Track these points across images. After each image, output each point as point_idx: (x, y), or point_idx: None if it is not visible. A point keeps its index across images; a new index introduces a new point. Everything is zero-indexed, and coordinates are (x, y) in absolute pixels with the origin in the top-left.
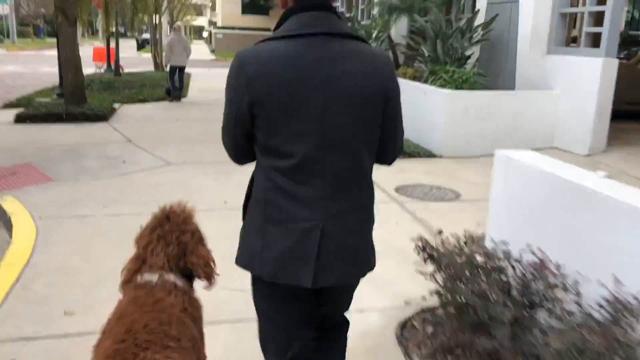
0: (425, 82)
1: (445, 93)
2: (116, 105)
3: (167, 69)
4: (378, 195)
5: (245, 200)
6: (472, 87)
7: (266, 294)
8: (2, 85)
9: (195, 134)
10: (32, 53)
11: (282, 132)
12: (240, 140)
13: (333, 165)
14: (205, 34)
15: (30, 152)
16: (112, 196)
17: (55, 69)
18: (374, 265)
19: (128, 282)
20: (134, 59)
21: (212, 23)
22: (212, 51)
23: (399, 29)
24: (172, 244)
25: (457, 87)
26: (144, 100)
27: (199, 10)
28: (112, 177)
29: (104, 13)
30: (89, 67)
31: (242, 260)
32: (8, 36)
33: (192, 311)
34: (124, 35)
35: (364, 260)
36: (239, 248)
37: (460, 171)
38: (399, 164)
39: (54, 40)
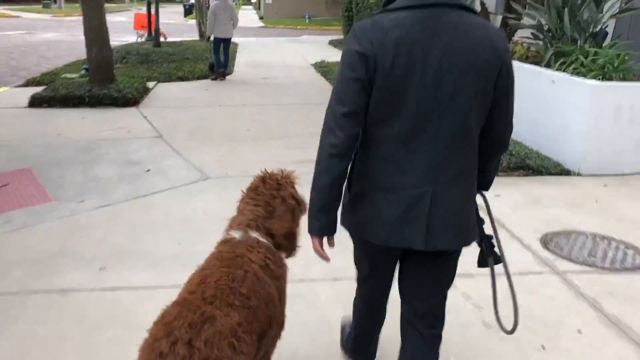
0: (548, 66)
1: (588, 85)
2: (150, 85)
3: (211, 40)
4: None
5: (349, 176)
6: (625, 76)
7: (370, 250)
8: (35, 56)
9: (242, 128)
10: (78, 19)
11: (397, 99)
12: (359, 108)
13: (443, 134)
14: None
15: (35, 151)
16: (117, 243)
17: None
18: (475, 237)
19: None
20: (180, 26)
21: None
22: (261, 18)
23: None
24: (260, 204)
25: (603, 77)
26: (183, 78)
27: None
28: (127, 199)
29: None
30: (131, 35)
31: (352, 225)
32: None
33: (274, 269)
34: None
35: (470, 228)
36: (345, 214)
37: (621, 202)
38: (526, 187)
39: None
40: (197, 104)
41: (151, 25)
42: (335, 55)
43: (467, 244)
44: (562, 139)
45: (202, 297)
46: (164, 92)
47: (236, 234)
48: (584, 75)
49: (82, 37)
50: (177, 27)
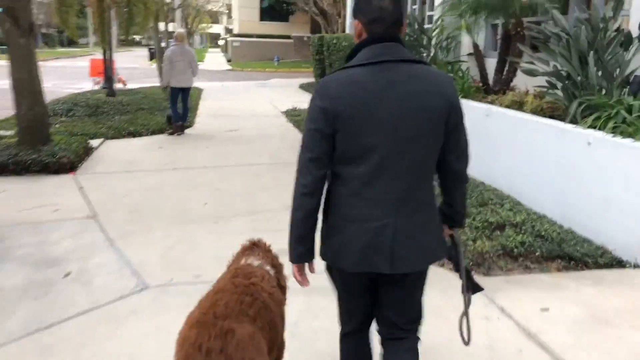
0: (574, 121)
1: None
2: (95, 143)
3: (168, 90)
4: None
5: (324, 209)
6: None
7: (344, 278)
8: None
9: (198, 201)
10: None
11: (360, 143)
12: (324, 154)
13: (402, 171)
14: (221, 42)
15: None
16: None
17: (51, 83)
18: (442, 256)
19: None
20: (145, 70)
21: (228, 30)
22: (228, 60)
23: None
24: (264, 252)
25: None
26: (135, 133)
27: (215, 18)
28: (21, 336)
29: (98, 17)
30: (87, 83)
31: (327, 256)
32: None
33: (278, 295)
34: (138, 43)
35: (431, 251)
36: (322, 246)
37: None
38: (577, 291)
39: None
40: (148, 167)
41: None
42: (306, 101)
43: (429, 264)
44: (604, 215)
45: (215, 316)
46: (109, 153)
47: (254, 262)
48: (631, 135)
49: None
50: (141, 71)
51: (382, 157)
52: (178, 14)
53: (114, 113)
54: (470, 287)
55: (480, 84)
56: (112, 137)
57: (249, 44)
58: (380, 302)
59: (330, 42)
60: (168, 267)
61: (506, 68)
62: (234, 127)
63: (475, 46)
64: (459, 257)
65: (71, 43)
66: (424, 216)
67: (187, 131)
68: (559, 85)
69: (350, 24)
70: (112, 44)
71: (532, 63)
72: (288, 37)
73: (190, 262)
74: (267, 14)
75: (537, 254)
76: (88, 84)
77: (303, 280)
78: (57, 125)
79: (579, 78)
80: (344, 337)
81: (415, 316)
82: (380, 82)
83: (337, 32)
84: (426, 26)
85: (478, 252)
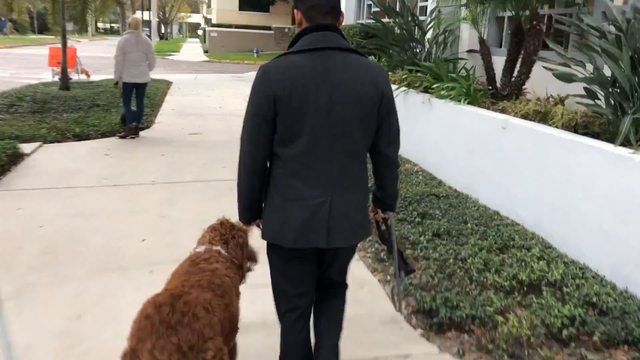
0: (627, 143)
1: None
2: (29, 148)
3: (120, 86)
4: None
5: (266, 187)
6: None
7: (284, 257)
8: None
9: (135, 236)
10: (18, 51)
11: (297, 126)
12: (262, 136)
13: (337, 153)
14: (200, 32)
15: None
16: None
17: (8, 73)
18: (370, 233)
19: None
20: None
21: (207, 20)
22: (206, 51)
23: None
24: (219, 235)
25: None
26: (82, 135)
27: (195, 7)
28: None
29: (52, 4)
30: (49, 73)
31: (267, 234)
32: None
33: (233, 276)
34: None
35: (362, 228)
36: (263, 226)
37: None
38: None
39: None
40: (84, 182)
41: (69, 61)
42: None
43: (360, 240)
44: None
45: (182, 285)
46: (43, 161)
47: (200, 249)
48: None
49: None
50: (110, 61)
51: (318, 139)
52: (154, 1)
53: (63, 110)
54: (403, 269)
55: (488, 87)
56: (53, 141)
57: (227, 34)
58: (319, 271)
59: None
60: (66, 357)
61: (517, 68)
62: (199, 130)
63: (482, 41)
64: (391, 241)
65: (43, 30)
66: (357, 195)
67: (143, 133)
68: (601, 93)
69: None
70: (66, 31)
71: (566, 65)
72: (269, 28)
73: (99, 345)
74: (247, 3)
75: (594, 337)
76: (49, 74)
77: (257, 225)
78: None
79: (631, 87)
80: (282, 318)
81: (343, 278)
82: (317, 69)
83: None
84: (421, 18)
85: (512, 336)
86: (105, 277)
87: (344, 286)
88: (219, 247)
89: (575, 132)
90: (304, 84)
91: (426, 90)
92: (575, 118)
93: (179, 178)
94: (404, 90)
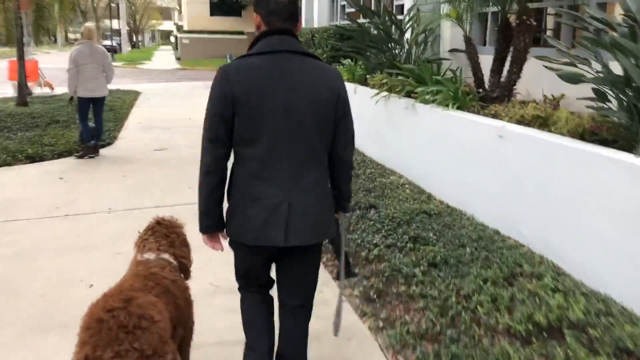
0: None
1: None
2: None
3: (75, 101)
4: None
5: (228, 188)
6: None
7: (247, 253)
8: None
9: (85, 279)
10: None
11: (255, 126)
12: (222, 135)
13: (295, 153)
14: (172, 39)
15: None
16: None
17: None
18: (333, 234)
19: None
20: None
21: (179, 27)
22: (178, 59)
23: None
24: (163, 237)
25: None
26: (35, 158)
27: (166, 14)
28: None
29: (3, 15)
30: (8, 87)
31: (230, 232)
32: None
33: (181, 284)
34: None
35: (323, 228)
36: (227, 224)
37: None
38: None
39: None
40: (29, 214)
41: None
42: None
43: (321, 240)
44: None
45: (121, 289)
46: None
47: (150, 256)
48: None
49: None
50: None
51: (275, 139)
52: (123, 9)
53: (17, 128)
54: (346, 273)
55: (477, 90)
56: (3, 164)
57: (199, 40)
58: (279, 273)
59: None
60: None
61: (506, 68)
62: (165, 145)
63: (468, 40)
64: (340, 242)
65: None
66: (316, 195)
67: (103, 151)
68: (611, 94)
69: (306, 19)
70: (25, 43)
71: (571, 64)
72: (241, 32)
73: None
74: (218, 8)
75: None
76: (9, 89)
77: (214, 247)
78: None
79: None
80: (241, 289)
81: (308, 288)
82: (275, 71)
83: None
84: (399, 17)
85: None
86: (41, 338)
87: (309, 309)
88: (167, 256)
89: (583, 139)
90: (262, 85)
91: (409, 94)
92: (582, 124)
93: (140, 203)
94: (385, 96)
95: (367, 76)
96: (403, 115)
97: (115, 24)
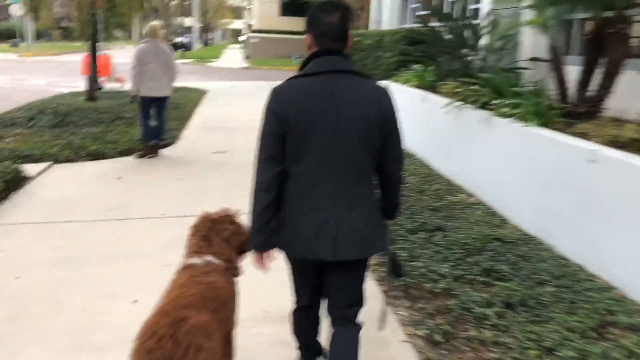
0: None
1: None
2: (36, 170)
3: (137, 100)
4: None
5: (278, 204)
6: None
7: (296, 267)
8: None
9: (128, 292)
10: (44, 59)
11: (305, 144)
12: (276, 153)
13: (342, 170)
14: (242, 38)
15: None
16: None
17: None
18: (382, 249)
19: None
20: None
21: (249, 26)
22: (246, 57)
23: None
24: (214, 234)
25: None
26: (97, 155)
27: (237, 12)
28: None
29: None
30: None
31: (279, 246)
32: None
33: (229, 285)
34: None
35: (370, 243)
36: (275, 237)
37: None
38: None
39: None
40: (83, 215)
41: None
42: None
43: (368, 255)
44: None
45: (175, 306)
46: (48, 186)
47: (198, 260)
48: None
49: (30, 82)
50: None
51: (324, 157)
52: (195, 7)
53: (84, 124)
54: (393, 273)
55: (562, 104)
56: (65, 160)
57: (268, 40)
58: (326, 286)
59: (351, 39)
60: None
61: (594, 80)
62: (225, 147)
63: (554, 49)
64: (386, 246)
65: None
66: (363, 210)
67: (165, 151)
68: None
69: (375, 21)
70: (115, 38)
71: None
72: None
73: None
74: (289, 8)
75: None
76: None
77: (261, 267)
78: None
79: None
80: (295, 311)
81: (354, 301)
82: (324, 91)
83: (360, 28)
84: (473, 22)
85: None
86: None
87: (354, 324)
88: (211, 258)
89: None
90: (311, 106)
91: (484, 106)
92: None
93: (193, 210)
94: (457, 106)
95: (438, 83)
96: (477, 128)
97: (187, 21)
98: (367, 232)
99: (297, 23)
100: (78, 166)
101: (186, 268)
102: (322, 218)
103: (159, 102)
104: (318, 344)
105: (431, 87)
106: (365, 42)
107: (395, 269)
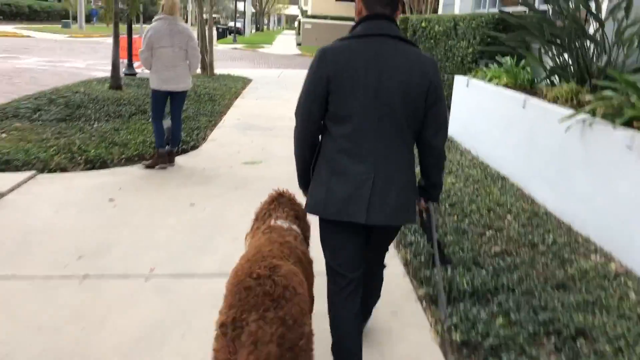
0: None
1: None
2: (15, 180)
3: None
4: None
5: (313, 163)
6: None
7: (327, 229)
8: None
9: None
10: (92, 40)
11: (347, 105)
12: (314, 112)
13: (383, 133)
14: (296, 24)
15: None
16: None
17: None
18: (413, 220)
19: (257, 228)
20: None
21: (303, 12)
22: (299, 44)
23: None
24: (290, 208)
25: None
26: (95, 162)
27: None
28: None
29: None
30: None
31: (310, 207)
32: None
33: (308, 256)
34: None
35: (405, 211)
36: (308, 198)
37: None
38: None
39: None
40: (35, 267)
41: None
42: None
43: (400, 223)
44: None
45: (264, 255)
46: (17, 207)
47: (284, 224)
48: None
49: (69, 64)
50: None
51: (365, 119)
52: None
53: (97, 118)
54: (441, 259)
55: None
56: (55, 169)
57: (321, 26)
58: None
59: (417, 25)
60: None
61: None
62: (259, 156)
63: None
64: (431, 230)
65: (146, 19)
66: (401, 179)
67: (183, 158)
68: None
69: (444, 5)
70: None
71: None
72: None
73: None
74: None
75: None
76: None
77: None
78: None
79: None
80: (329, 292)
81: (381, 259)
82: (369, 53)
83: (426, 13)
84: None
85: None
86: None
87: (382, 267)
88: (295, 227)
89: None
90: (356, 67)
91: (630, 122)
92: None
93: (193, 265)
94: (583, 120)
95: (540, 83)
96: (619, 156)
97: (240, 5)
98: (403, 200)
99: (352, 8)
100: (67, 178)
101: (273, 229)
102: (359, 180)
103: (175, 98)
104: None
105: (528, 88)
106: (434, 29)
107: (442, 257)
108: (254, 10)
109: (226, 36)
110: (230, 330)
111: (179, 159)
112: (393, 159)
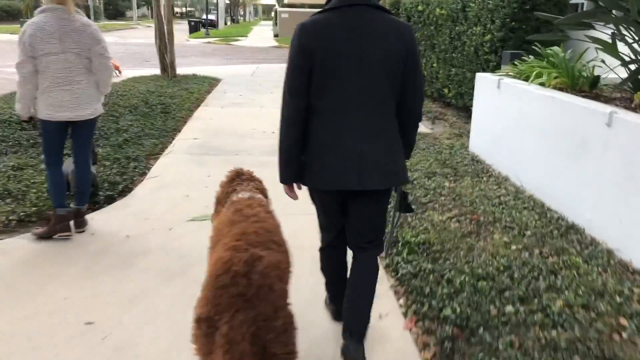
0: None
1: None
2: None
3: (37, 124)
4: None
5: (304, 139)
6: None
7: (323, 199)
8: None
9: None
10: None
11: (330, 77)
12: (303, 85)
13: (365, 102)
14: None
15: None
16: None
17: None
18: (405, 180)
19: (222, 202)
20: (180, 48)
21: (279, 1)
22: (276, 35)
23: None
24: (251, 182)
25: None
26: None
27: None
28: None
29: None
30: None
31: (308, 180)
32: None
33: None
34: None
35: (393, 174)
36: (304, 173)
37: None
38: None
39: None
40: None
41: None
42: None
43: (391, 185)
44: None
45: (248, 243)
46: None
47: (245, 195)
48: None
49: None
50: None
51: (348, 90)
52: None
53: (4, 147)
54: (403, 208)
55: None
56: None
57: (299, 15)
58: (349, 216)
59: (412, 10)
60: None
61: None
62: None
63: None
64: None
65: (117, 16)
66: (386, 143)
67: (102, 214)
68: None
69: None
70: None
71: None
72: None
73: None
74: None
75: None
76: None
77: (292, 196)
78: None
79: None
80: (323, 250)
81: (376, 229)
82: (350, 23)
83: None
84: None
85: None
86: None
87: (378, 248)
88: (260, 195)
89: None
90: (337, 38)
91: None
92: None
93: None
94: None
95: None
96: None
97: None
98: (391, 163)
99: None
100: None
101: (234, 204)
102: (348, 150)
103: (78, 132)
104: (345, 279)
105: (587, 91)
106: (434, 12)
107: (406, 205)
108: (228, 2)
109: (199, 30)
110: (205, 327)
111: (97, 216)
112: (377, 125)
